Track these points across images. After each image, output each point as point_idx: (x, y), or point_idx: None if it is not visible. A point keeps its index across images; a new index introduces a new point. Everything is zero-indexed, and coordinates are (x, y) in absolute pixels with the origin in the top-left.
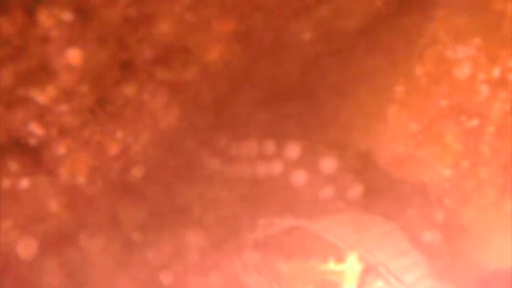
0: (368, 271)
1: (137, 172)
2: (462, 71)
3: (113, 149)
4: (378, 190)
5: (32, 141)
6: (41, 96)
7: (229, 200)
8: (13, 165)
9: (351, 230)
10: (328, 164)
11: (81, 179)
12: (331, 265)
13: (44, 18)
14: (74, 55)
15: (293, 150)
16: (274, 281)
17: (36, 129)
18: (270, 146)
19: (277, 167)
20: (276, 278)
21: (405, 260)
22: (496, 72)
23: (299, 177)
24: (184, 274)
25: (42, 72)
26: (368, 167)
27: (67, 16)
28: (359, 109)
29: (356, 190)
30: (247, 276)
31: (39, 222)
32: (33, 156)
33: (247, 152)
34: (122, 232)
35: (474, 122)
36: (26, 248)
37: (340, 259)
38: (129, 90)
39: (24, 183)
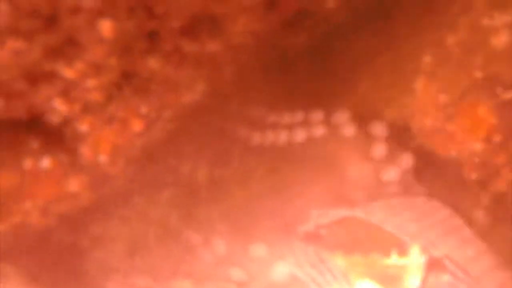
0: (433, 265)
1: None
2: (500, 40)
3: (137, 125)
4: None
5: (55, 118)
6: (69, 71)
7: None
8: (34, 143)
9: (410, 219)
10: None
11: (103, 158)
12: (394, 259)
13: None
14: (105, 26)
15: (316, 117)
16: (329, 275)
17: (59, 105)
18: (299, 117)
19: (301, 135)
20: (330, 272)
21: (469, 249)
22: None
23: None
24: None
25: (71, 45)
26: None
27: None
28: (382, 80)
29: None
30: (299, 270)
31: (58, 202)
32: (55, 134)
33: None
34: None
35: (511, 94)
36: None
37: (402, 252)
38: (154, 62)
39: (45, 162)
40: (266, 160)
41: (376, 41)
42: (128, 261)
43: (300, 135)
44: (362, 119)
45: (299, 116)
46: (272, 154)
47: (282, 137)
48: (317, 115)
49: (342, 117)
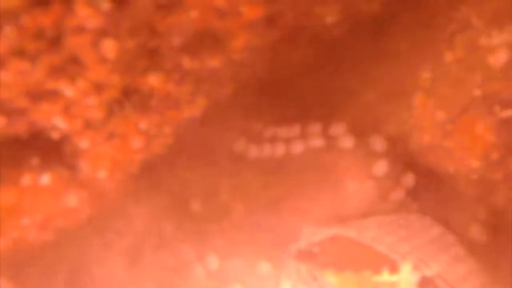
0: (424, 283)
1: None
2: (498, 58)
3: (137, 141)
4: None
5: (55, 135)
6: (70, 89)
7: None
8: (34, 160)
9: (403, 237)
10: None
11: (103, 174)
12: (385, 276)
13: (82, 7)
14: (108, 46)
15: (314, 129)
16: None
17: (60, 122)
18: (296, 130)
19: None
20: None
21: (460, 268)
22: None
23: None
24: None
25: (74, 64)
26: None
27: (105, 5)
28: (381, 95)
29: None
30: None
31: (57, 218)
32: (55, 150)
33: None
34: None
35: (509, 112)
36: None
37: (394, 269)
38: (155, 79)
39: (45, 178)
40: (264, 174)
41: (375, 55)
42: (124, 274)
43: (298, 147)
44: (360, 132)
45: (296, 128)
46: (270, 168)
47: (280, 149)
48: (315, 127)
49: (340, 129)
